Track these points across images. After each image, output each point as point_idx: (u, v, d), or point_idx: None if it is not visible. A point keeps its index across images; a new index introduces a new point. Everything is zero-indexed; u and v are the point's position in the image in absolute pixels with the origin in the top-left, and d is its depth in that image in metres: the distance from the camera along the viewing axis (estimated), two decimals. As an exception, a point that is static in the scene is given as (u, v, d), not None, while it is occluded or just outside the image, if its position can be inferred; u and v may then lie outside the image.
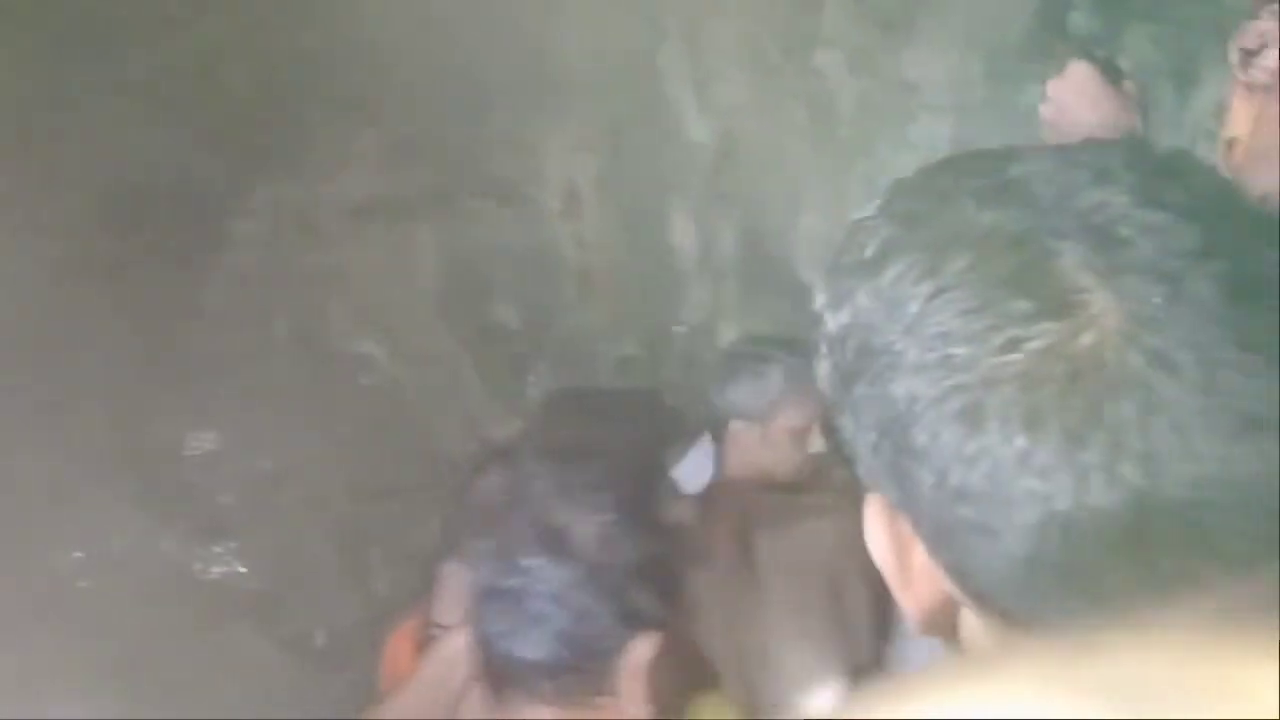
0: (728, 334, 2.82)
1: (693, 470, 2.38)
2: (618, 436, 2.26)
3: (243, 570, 2.68)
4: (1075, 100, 1.30)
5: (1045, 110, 1.38)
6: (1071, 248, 0.46)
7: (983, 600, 0.48)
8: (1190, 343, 0.44)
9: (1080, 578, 0.45)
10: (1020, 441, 0.44)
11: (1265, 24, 1.25)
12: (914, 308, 0.48)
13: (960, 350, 0.46)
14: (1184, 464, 0.43)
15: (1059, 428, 0.44)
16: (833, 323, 0.52)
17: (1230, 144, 1.28)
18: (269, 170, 2.78)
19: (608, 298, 2.94)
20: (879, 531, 0.52)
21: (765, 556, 1.87)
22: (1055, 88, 1.35)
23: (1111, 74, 1.34)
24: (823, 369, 0.54)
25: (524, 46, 2.74)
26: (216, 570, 2.70)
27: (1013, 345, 0.45)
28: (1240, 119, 1.26)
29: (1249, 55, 1.25)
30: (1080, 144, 0.54)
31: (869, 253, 0.51)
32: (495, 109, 2.80)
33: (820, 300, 0.55)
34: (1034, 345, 0.45)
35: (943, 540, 0.48)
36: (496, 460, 2.06)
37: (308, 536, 2.76)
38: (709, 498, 2.00)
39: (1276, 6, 1.23)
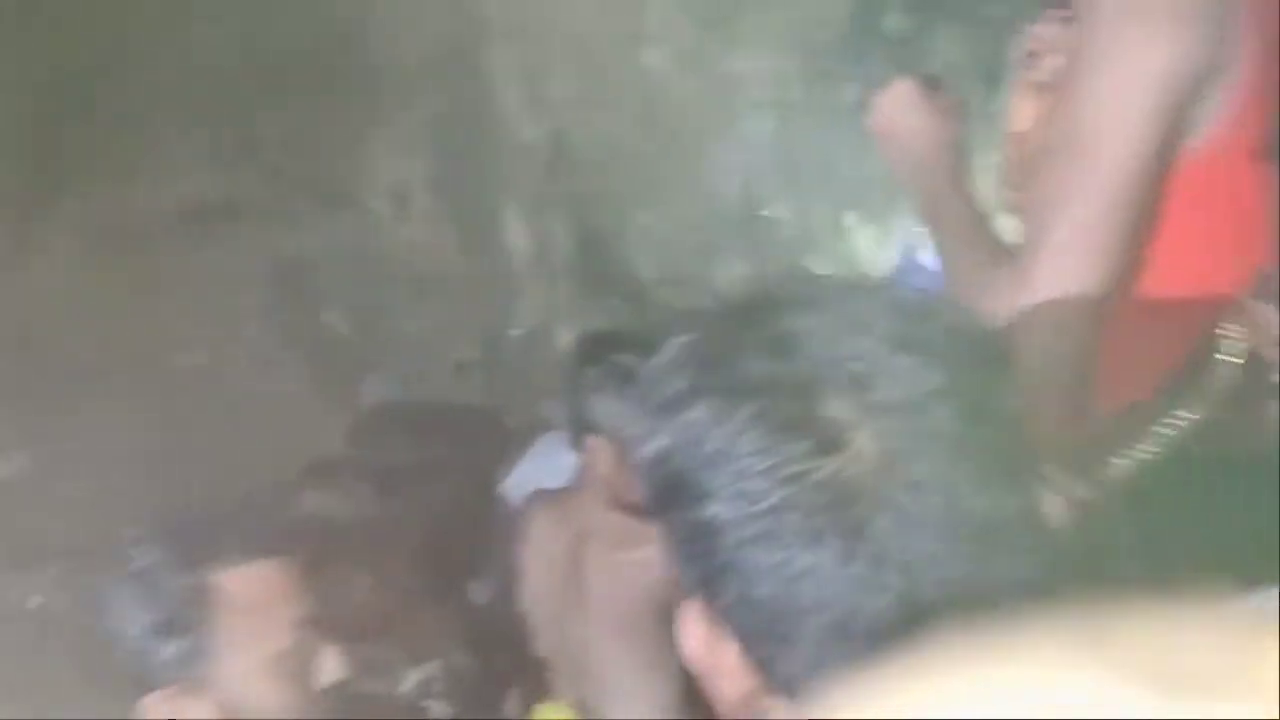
0: (565, 337, 2.80)
1: (541, 469, 2.35)
2: (443, 456, 2.22)
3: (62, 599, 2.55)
4: (901, 114, 1.33)
5: (874, 123, 1.38)
6: (838, 394, 0.56)
7: (786, 691, 0.57)
8: (939, 470, 0.54)
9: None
10: (806, 558, 0.54)
11: (1047, 28, 1.29)
12: (715, 445, 0.56)
13: (754, 484, 0.55)
14: (934, 569, 0.54)
15: (835, 544, 0.54)
16: (648, 449, 0.60)
17: (1017, 137, 1.33)
18: (80, 176, 2.65)
19: (442, 301, 2.88)
20: (694, 631, 0.60)
21: (594, 576, 1.87)
22: (881, 104, 1.37)
23: (933, 87, 1.41)
24: (641, 487, 0.62)
25: (344, 44, 2.67)
26: (34, 600, 2.57)
27: (795, 479, 0.54)
28: (1024, 115, 1.30)
29: (1033, 56, 1.30)
30: (843, 290, 0.66)
31: (677, 391, 0.59)
32: (319, 110, 2.73)
33: (635, 429, 0.63)
34: (812, 478, 0.54)
35: (749, 641, 0.57)
36: (316, 478, 1.99)
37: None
38: (557, 505, 1.99)
39: (1064, 12, 1.27)
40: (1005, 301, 1.12)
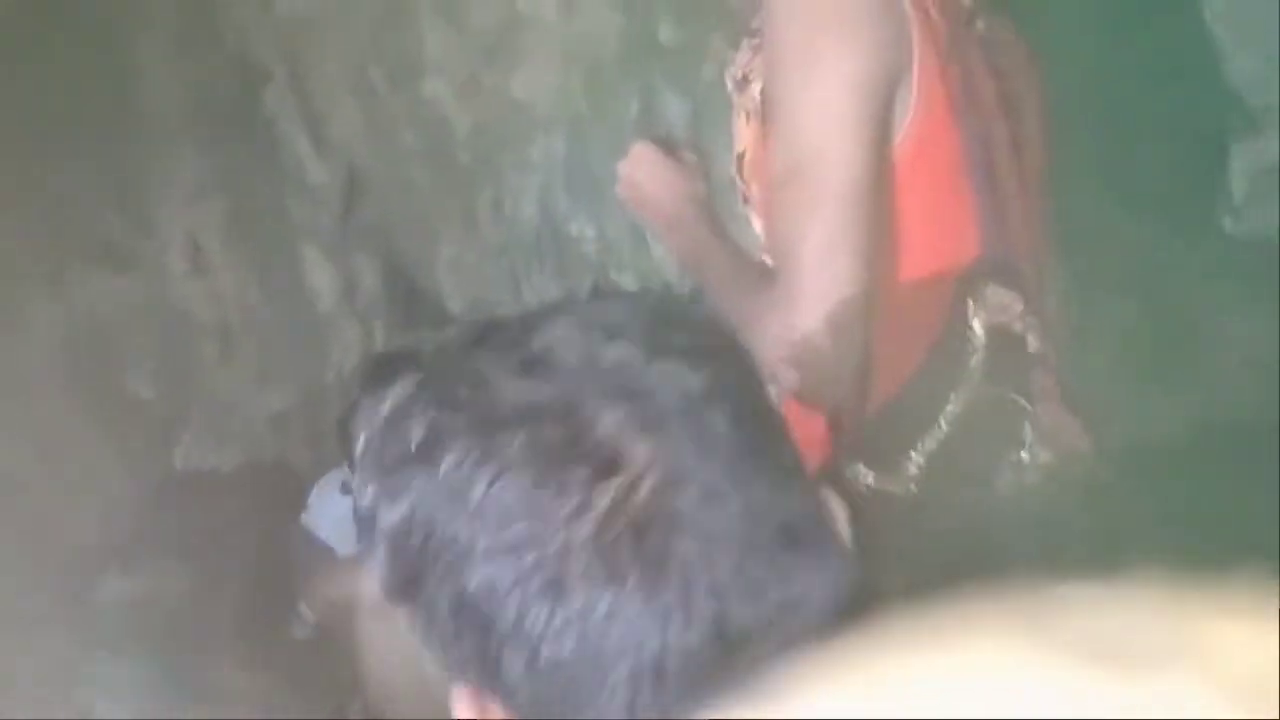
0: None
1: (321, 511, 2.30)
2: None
3: None
4: (645, 178, 1.37)
5: (620, 190, 1.43)
6: (606, 407, 0.50)
7: None
8: (726, 474, 0.49)
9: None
10: (605, 600, 0.48)
11: (745, 55, 1.33)
12: (477, 493, 0.49)
13: (531, 527, 0.49)
14: (746, 590, 0.48)
15: (637, 578, 0.48)
16: (389, 517, 0.53)
17: (740, 158, 1.36)
18: None
19: (251, 353, 2.79)
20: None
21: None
22: (624, 169, 1.41)
23: (671, 147, 1.41)
24: (380, 565, 0.54)
25: (109, 92, 2.55)
26: None
27: (579, 511, 0.48)
28: (743, 137, 1.34)
29: (739, 83, 1.33)
30: (590, 302, 0.61)
31: (417, 441, 0.52)
32: (94, 168, 2.60)
33: (369, 495, 0.56)
34: (599, 507, 0.48)
35: (541, 712, 0.50)
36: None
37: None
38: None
39: (755, 40, 1.30)
40: (778, 324, 1.16)
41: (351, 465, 1.84)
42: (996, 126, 1.32)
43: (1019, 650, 0.28)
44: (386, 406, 0.56)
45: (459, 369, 0.55)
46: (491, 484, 0.50)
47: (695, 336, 0.55)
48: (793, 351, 1.14)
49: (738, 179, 1.35)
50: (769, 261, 1.37)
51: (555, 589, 0.48)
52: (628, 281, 2.52)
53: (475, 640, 0.51)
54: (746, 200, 1.38)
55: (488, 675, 0.51)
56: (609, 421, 0.50)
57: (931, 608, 0.31)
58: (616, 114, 2.32)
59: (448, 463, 0.51)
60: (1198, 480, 1.32)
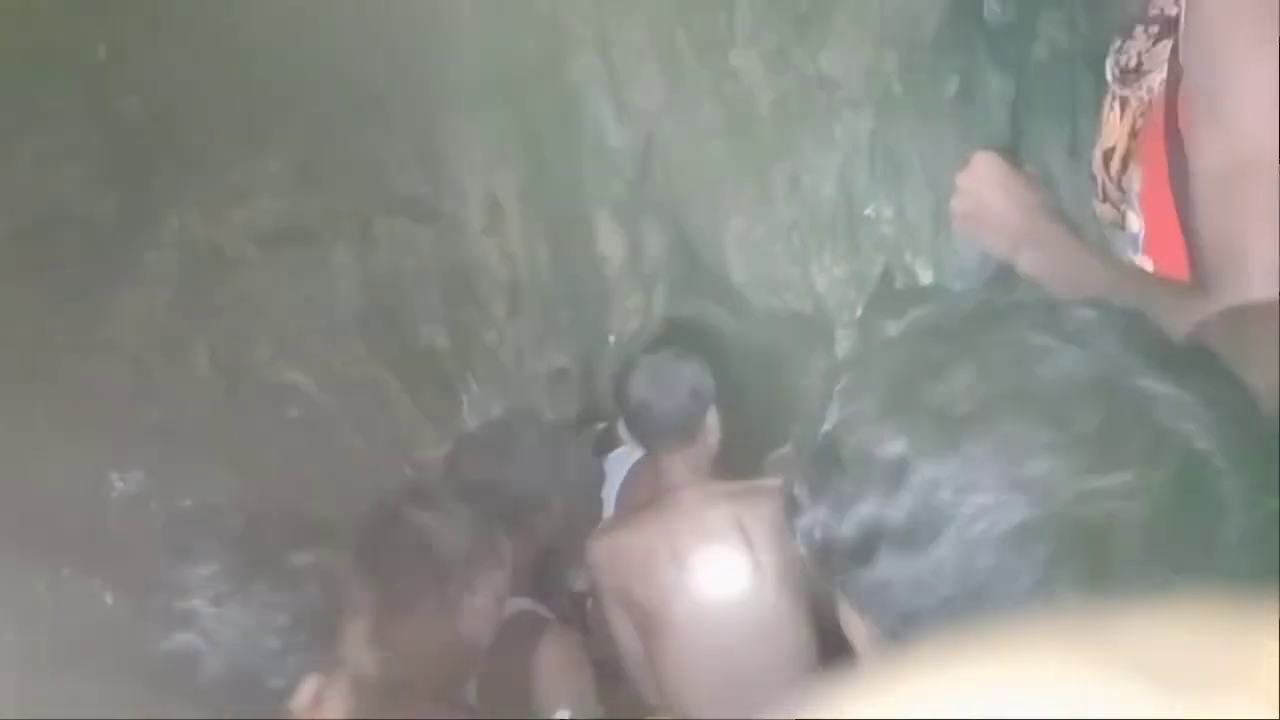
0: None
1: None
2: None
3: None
4: (986, 189, 1.28)
5: (956, 203, 1.31)
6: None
7: None
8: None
9: None
10: None
11: (1141, 44, 1.23)
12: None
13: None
14: None
15: None
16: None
17: (1107, 154, 1.27)
18: (174, 201, 2.69)
19: (537, 311, 2.87)
20: None
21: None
22: (964, 180, 1.30)
23: (1012, 159, 1.36)
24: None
25: (424, 62, 2.66)
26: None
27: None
28: (1115, 129, 1.25)
29: (1128, 73, 1.24)
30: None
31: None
32: (402, 126, 2.73)
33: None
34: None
35: None
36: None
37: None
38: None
39: (1154, 28, 1.20)
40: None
41: (627, 421, 1.79)
42: None
43: (1078, 666, 0.28)
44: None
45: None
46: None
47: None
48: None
49: (1100, 173, 1.25)
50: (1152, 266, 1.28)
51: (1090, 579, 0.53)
52: (922, 266, 2.46)
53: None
54: (1106, 197, 1.28)
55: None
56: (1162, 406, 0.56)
57: (988, 623, 0.31)
58: (930, 96, 2.25)
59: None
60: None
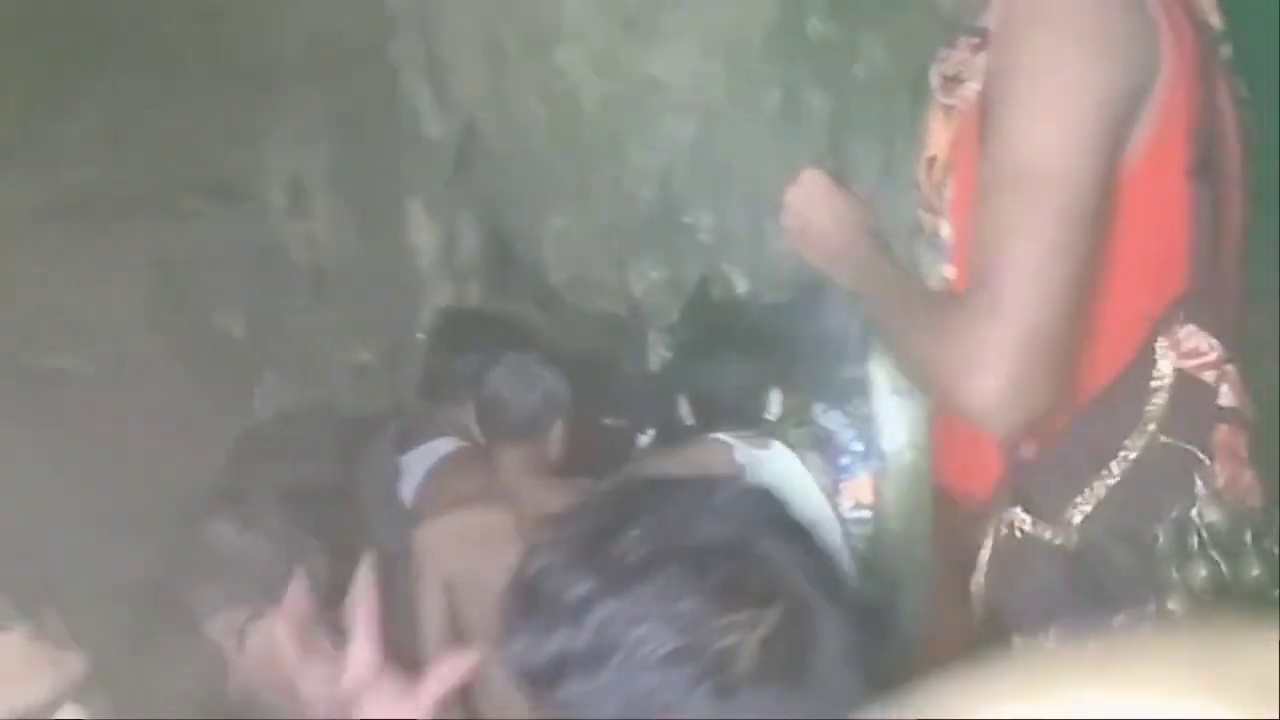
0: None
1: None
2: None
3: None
4: (812, 206, 1.35)
5: (785, 219, 1.38)
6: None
7: None
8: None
9: None
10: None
11: (962, 54, 1.26)
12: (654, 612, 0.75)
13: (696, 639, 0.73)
14: None
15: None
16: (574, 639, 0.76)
17: (930, 162, 1.30)
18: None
19: (342, 301, 2.75)
20: None
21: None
22: (792, 195, 1.37)
23: (839, 177, 1.40)
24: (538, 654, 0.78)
25: (235, 30, 2.50)
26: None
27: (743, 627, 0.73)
28: (939, 139, 1.28)
29: (949, 81, 1.27)
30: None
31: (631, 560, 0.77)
32: (207, 98, 2.56)
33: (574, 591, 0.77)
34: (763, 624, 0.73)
35: None
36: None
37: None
38: None
39: (975, 40, 1.24)
40: (972, 336, 1.09)
41: (479, 411, 1.85)
42: (1231, 158, 1.25)
43: (1190, 687, 0.29)
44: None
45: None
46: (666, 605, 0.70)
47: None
48: (980, 366, 1.08)
49: (923, 181, 1.29)
50: (946, 275, 1.32)
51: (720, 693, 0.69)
52: (738, 276, 2.47)
53: None
54: (928, 207, 1.32)
55: None
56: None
57: (1095, 642, 0.33)
58: (754, 104, 2.27)
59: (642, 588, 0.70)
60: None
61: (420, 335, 2.69)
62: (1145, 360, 1.20)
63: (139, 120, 2.59)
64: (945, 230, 1.30)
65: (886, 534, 2.57)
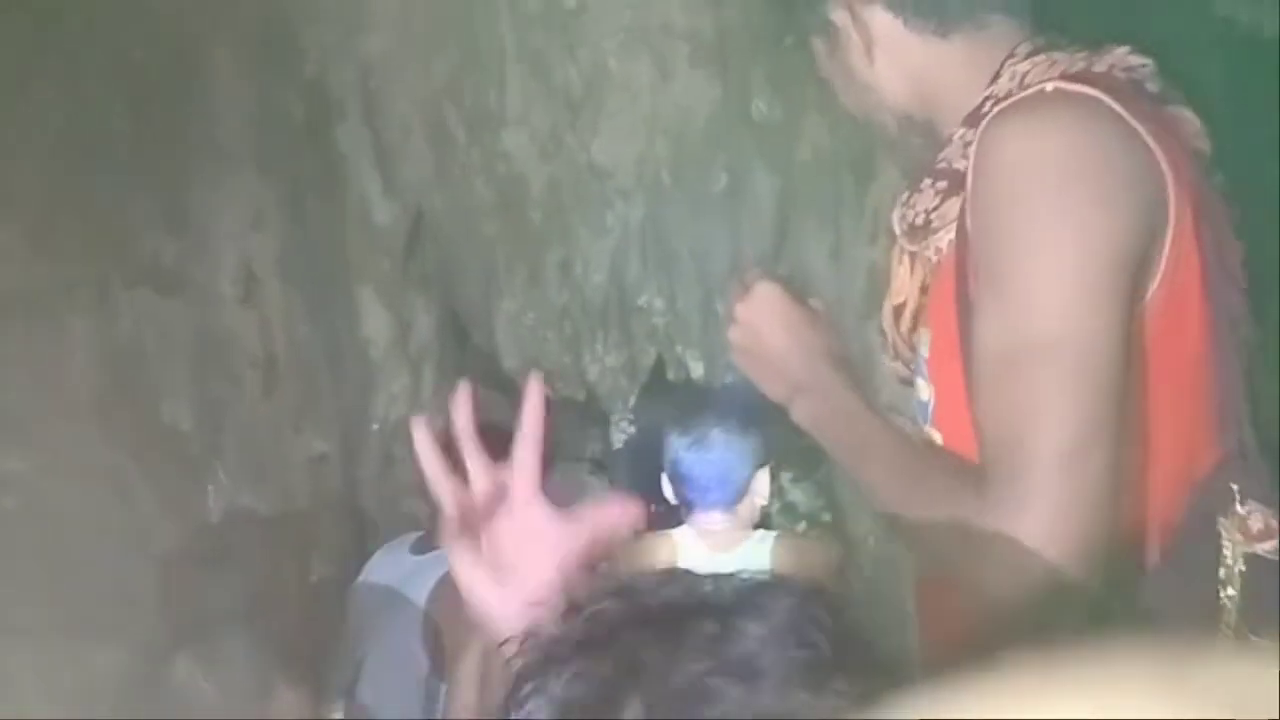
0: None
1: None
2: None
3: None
4: (766, 324, 1.18)
5: (733, 335, 1.22)
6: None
7: None
8: None
9: None
10: None
11: (929, 199, 1.11)
12: None
13: None
14: None
15: None
16: None
17: (898, 309, 1.20)
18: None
19: (294, 390, 2.69)
20: None
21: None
22: (743, 311, 1.20)
23: (797, 290, 1.21)
24: None
25: (176, 117, 2.46)
26: None
27: None
28: (905, 285, 1.17)
29: (915, 229, 1.16)
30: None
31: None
32: (149, 186, 2.51)
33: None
34: None
35: None
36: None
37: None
38: None
39: (942, 183, 1.11)
40: (1000, 537, 0.95)
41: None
42: (1241, 298, 1.11)
43: (1153, 703, 0.30)
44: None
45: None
46: None
47: None
48: (1014, 566, 0.93)
49: (890, 330, 1.18)
50: (932, 441, 1.15)
51: None
52: (693, 359, 2.42)
53: None
54: (896, 355, 1.21)
55: None
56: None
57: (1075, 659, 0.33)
58: (700, 187, 2.22)
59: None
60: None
61: (375, 426, 2.63)
62: (1208, 547, 1.06)
63: (77, 210, 2.54)
64: (924, 390, 1.17)
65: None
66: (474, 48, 2.38)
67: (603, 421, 2.74)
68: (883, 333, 1.20)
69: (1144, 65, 1.08)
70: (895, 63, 1.13)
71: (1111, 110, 1.00)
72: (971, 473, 1.02)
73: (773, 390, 1.19)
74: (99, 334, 2.60)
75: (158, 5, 2.52)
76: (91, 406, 2.60)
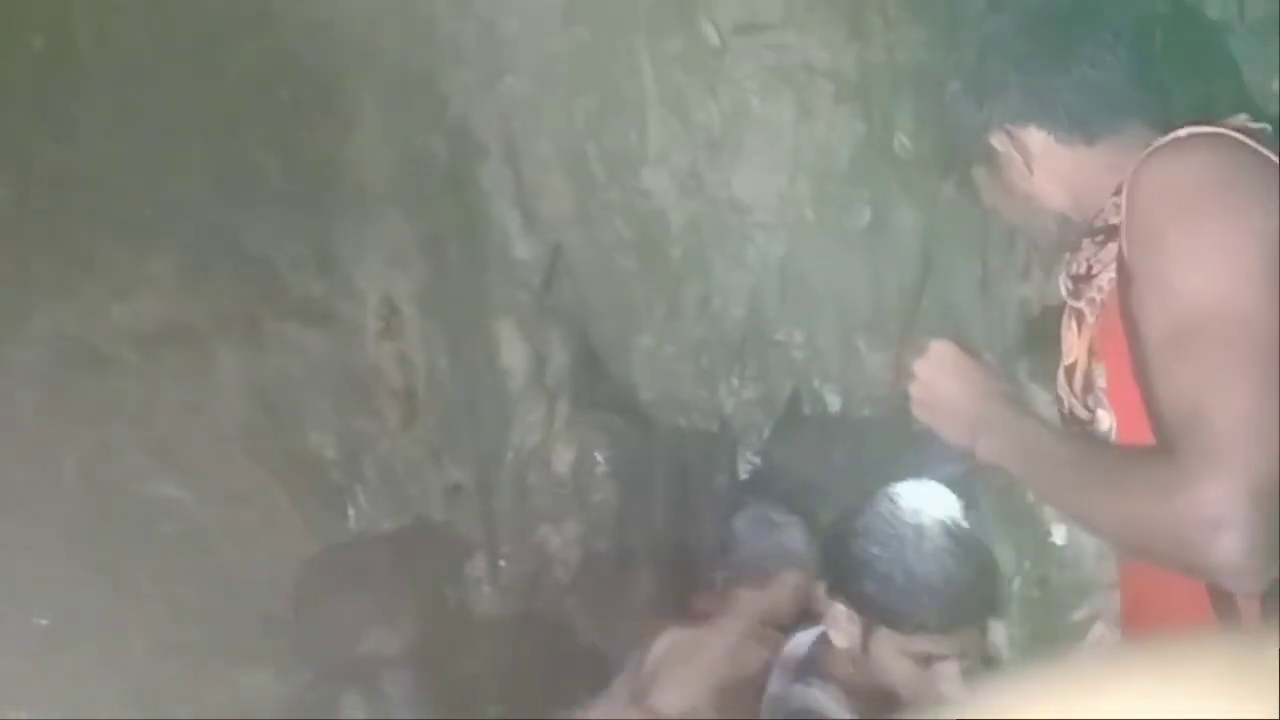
0: (565, 457, 2.68)
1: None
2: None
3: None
4: (943, 377, 1.31)
5: (915, 390, 1.34)
6: None
7: None
8: None
9: None
10: None
11: (1089, 251, 1.22)
12: None
13: None
14: None
15: None
16: None
17: (1069, 370, 1.26)
18: (46, 297, 2.53)
19: (433, 421, 2.76)
20: None
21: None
22: (921, 368, 1.33)
23: (971, 348, 1.35)
24: None
25: (324, 160, 2.56)
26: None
27: None
28: (1074, 346, 1.24)
29: (1080, 281, 1.24)
30: None
31: None
32: (297, 225, 2.61)
33: None
34: None
35: None
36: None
37: (100, 700, 2.48)
38: None
39: (1100, 237, 1.20)
40: (1197, 500, 1.02)
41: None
42: None
43: (1231, 699, 0.30)
44: None
45: None
46: None
47: None
48: (1217, 525, 1.00)
49: (1065, 394, 1.25)
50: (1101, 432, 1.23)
51: None
52: (830, 392, 2.43)
53: None
54: (1073, 418, 1.27)
55: None
56: None
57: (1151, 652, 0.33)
58: (841, 224, 2.24)
59: None
60: None
61: (510, 455, 2.68)
62: None
63: (228, 247, 2.65)
64: (1105, 419, 1.23)
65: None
66: (615, 88, 2.43)
67: (730, 451, 2.76)
68: (1058, 398, 1.28)
69: (1262, 128, 1.19)
70: (1051, 172, 1.27)
71: (1244, 143, 1.12)
72: (1157, 452, 1.09)
73: (956, 435, 1.29)
74: (248, 366, 2.70)
75: (306, 55, 2.63)
76: (241, 435, 2.70)
